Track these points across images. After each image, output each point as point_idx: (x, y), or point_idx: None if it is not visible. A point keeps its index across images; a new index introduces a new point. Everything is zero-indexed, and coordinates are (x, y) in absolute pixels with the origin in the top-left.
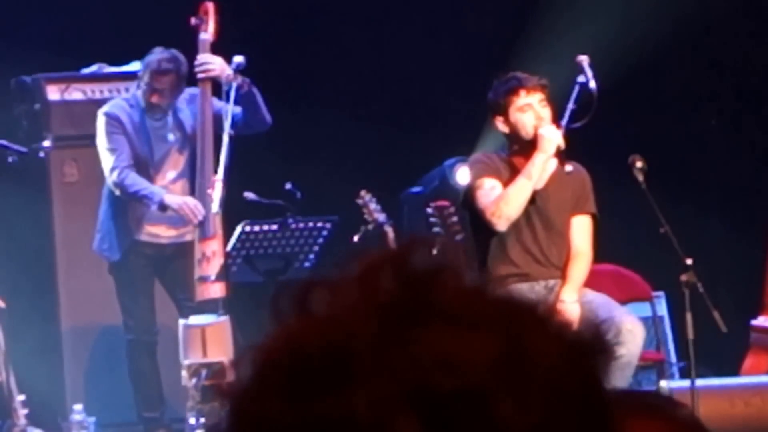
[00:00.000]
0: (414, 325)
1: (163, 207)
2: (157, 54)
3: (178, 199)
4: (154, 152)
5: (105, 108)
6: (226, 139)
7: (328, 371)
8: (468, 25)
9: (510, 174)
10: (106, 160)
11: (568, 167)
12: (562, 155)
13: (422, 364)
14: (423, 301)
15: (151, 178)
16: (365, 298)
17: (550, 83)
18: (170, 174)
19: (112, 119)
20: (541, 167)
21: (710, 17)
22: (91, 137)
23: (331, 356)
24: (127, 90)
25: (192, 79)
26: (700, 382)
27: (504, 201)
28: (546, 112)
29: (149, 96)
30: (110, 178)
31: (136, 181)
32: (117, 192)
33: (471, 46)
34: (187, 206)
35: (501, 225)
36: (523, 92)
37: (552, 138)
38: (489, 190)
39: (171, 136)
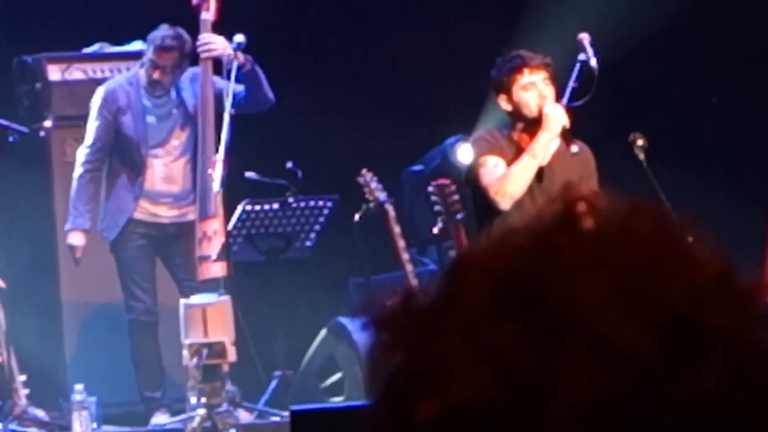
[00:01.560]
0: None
1: (67, 232)
2: (162, 30)
3: (75, 240)
4: (147, 132)
5: (105, 85)
6: (227, 118)
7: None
8: (469, 3)
9: (513, 152)
10: (86, 139)
11: (574, 148)
12: (567, 135)
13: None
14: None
15: (143, 157)
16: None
17: (552, 61)
18: (172, 152)
19: (107, 97)
20: (546, 146)
21: None
22: None
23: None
24: (128, 69)
25: (194, 58)
26: None
27: (508, 180)
28: (549, 91)
29: (152, 72)
30: (78, 159)
31: (78, 195)
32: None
33: (472, 24)
34: (72, 252)
35: (504, 204)
36: (526, 71)
37: (557, 117)
38: (492, 168)
39: (173, 115)
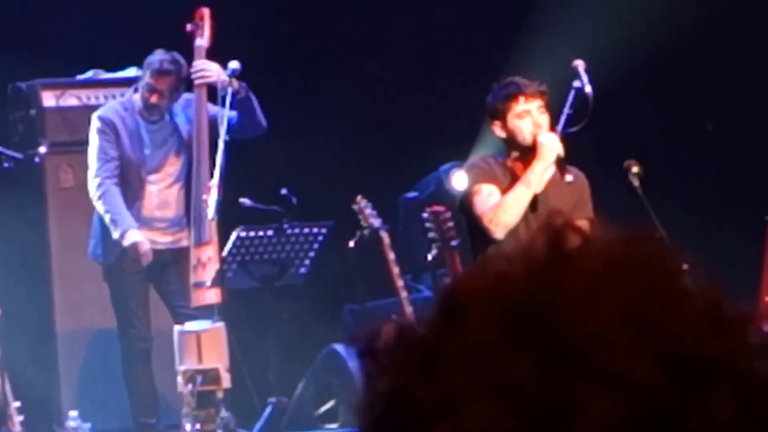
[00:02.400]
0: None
1: (123, 237)
2: (159, 55)
3: (138, 238)
4: (146, 156)
5: (100, 111)
6: (221, 144)
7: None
8: (464, 30)
9: (508, 179)
10: (92, 165)
11: (569, 177)
12: (562, 164)
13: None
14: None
15: (142, 181)
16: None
17: (547, 88)
18: (166, 178)
19: (105, 124)
20: (540, 175)
21: (706, 22)
22: (87, 143)
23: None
24: (122, 95)
25: (188, 85)
26: None
27: (502, 209)
28: (544, 119)
29: (148, 96)
30: (91, 184)
31: (111, 201)
32: (93, 200)
33: (467, 51)
34: (139, 248)
35: (498, 233)
36: (522, 98)
37: (552, 146)
38: (487, 196)
39: (167, 141)
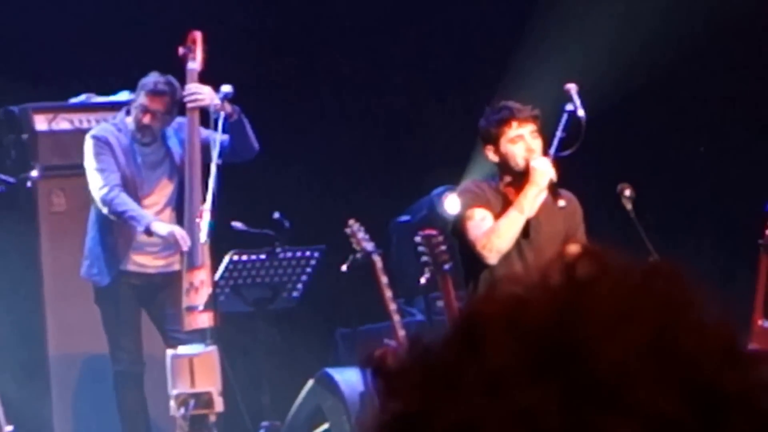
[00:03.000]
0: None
1: (149, 232)
2: (153, 76)
3: (166, 226)
4: (143, 177)
5: (93, 131)
6: (213, 168)
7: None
8: (456, 54)
9: (501, 204)
10: (95, 180)
11: (561, 202)
12: (555, 188)
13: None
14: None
15: (140, 203)
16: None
17: (538, 108)
18: (158, 202)
19: (100, 141)
20: (533, 200)
21: (698, 45)
22: (79, 167)
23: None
24: (114, 118)
25: (180, 108)
26: None
27: (495, 234)
28: (537, 144)
29: (141, 116)
30: (99, 195)
31: (125, 201)
32: (105, 210)
33: (459, 74)
34: (175, 235)
35: (492, 258)
36: (515, 123)
37: (544, 171)
38: (479, 221)
39: (159, 164)
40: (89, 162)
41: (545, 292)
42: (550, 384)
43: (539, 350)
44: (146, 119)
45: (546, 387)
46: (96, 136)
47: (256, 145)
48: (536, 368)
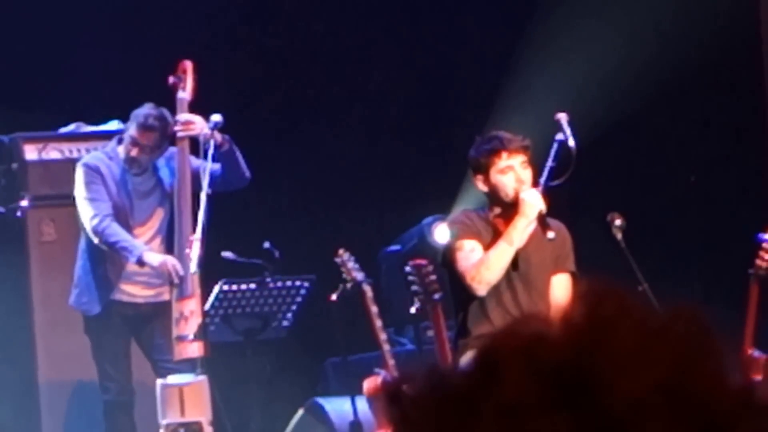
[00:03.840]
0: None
1: (140, 263)
2: (146, 109)
3: (158, 256)
4: (134, 206)
5: (84, 160)
6: (204, 197)
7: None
8: (447, 82)
9: (490, 234)
10: (86, 209)
11: (550, 234)
12: (544, 220)
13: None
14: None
15: (131, 232)
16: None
17: (528, 139)
18: (149, 231)
19: (91, 170)
20: (522, 232)
21: (689, 75)
22: (69, 196)
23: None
24: (104, 147)
25: (171, 137)
26: None
27: (485, 266)
28: (527, 174)
29: (130, 148)
30: (90, 224)
31: (116, 232)
32: (96, 240)
33: (450, 103)
34: (167, 265)
35: (481, 290)
36: (504, 154)
37: (534, 203)
38: (469, 253)
39: (150, 193)
40: (80, 191)
41: (566, 329)
42: (565, 416)
43: (555, 384)
44: (133, 152)
45: (560, 418)
46: (87, 164)
47: (247, 173)
48: (551, 400)
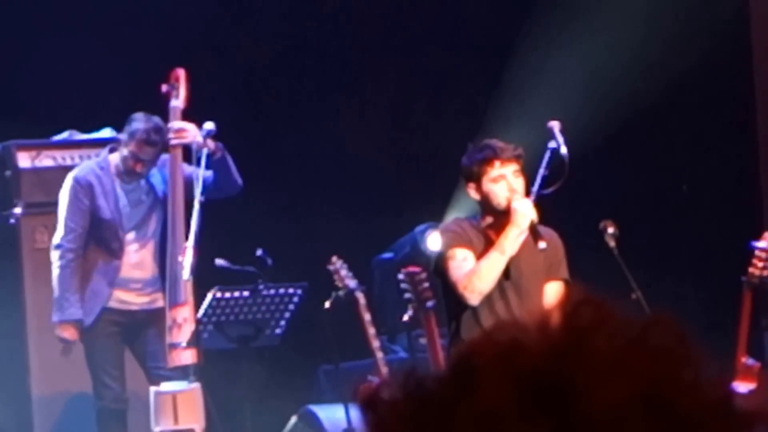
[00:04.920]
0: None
1: (56, 322)
2: (143, 122)
3: (68, 333)
4: (122, 216)
5: (75, 172)
6: (196, 205)
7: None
8: (439, 90)
9: (482, 243)
10: (59, 229)
11: (542, 244)
12: (536, 230)
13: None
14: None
15: (120, 241)
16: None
17: (521, 147)
18: (140, 238)
19: (81, 186)
20: (514, 241)
21: (681, 83)
22: None
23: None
24: (97, 156)
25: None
26: None
27: (477, 275)
28: (519, 184)
29: (133, 164)
30: (53, 247)
31: (66, 282)
32: (51, 256)
33: (442, 111)
34: (62, 344)
35: (473, 299)
36: (497, 163)
37: (525, 213)
38: (461, 262)
39: (142, 201)
40: (62, 204)
41: (543, 336)
42: (541, 422)
43: (533, 390)
44: (138, 168)
45: (537, 425)
46: (77, 179)
47: (239, 181)
48: (529, 407)
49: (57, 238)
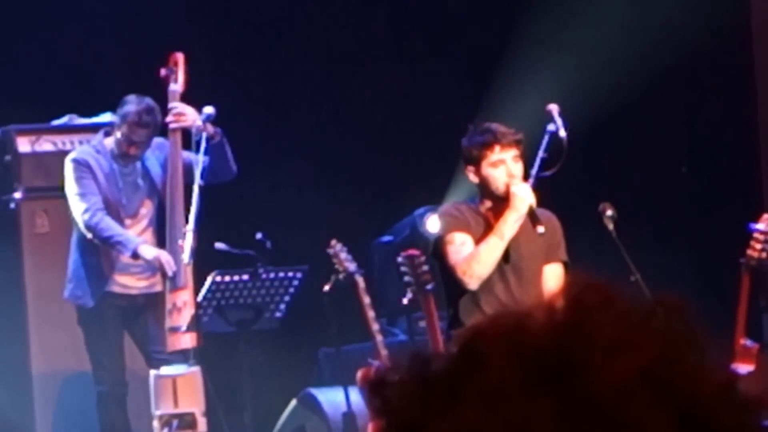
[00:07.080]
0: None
1: (135, 256)
2: (134, 104)
3: (153, 250)
4: (125, 198)
5: (72, 155)
6: (196, 189)
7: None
8: (439, 74)
9: (481, 227)
10: (77, 205)
11: (540, 229)
12: (534, 214)
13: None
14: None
15: (123, 224)
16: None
17: (521, 131)
18: (139, 222)
19: (81, 165)
20: (513, 226)
21: (680, 65)
22: (62, 188)
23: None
24: (93, 140)
25: (161, 129)
26: None
27: (476, 260)
28: (518, 168)
29: (126, 147)
30: (82, 220)
31: (110, 226)
32: (89, 235)
33: (441, 94)
34: (161, 259)
35: (472, 284)
36: (497, 147)
37: (524, 197)
38: (460, 246)
39: (139, 184)
40: (70, 186)
41: (548, 317)
42: (547, 399)
43: (538, 368)
44: (132, 150)
45: (542, 401)
46: (76, 159)
47: (234, 168)
48: (534, 384)
49: (79, 209)
